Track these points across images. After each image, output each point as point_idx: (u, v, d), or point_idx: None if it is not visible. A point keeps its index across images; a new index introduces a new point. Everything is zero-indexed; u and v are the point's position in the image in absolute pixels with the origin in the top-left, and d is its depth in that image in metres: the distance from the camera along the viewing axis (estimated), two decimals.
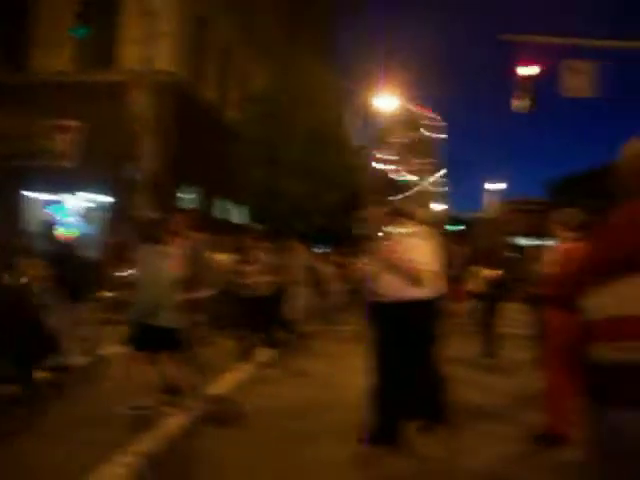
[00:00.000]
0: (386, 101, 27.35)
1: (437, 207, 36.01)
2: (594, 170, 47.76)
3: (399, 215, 4.97)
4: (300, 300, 12.81)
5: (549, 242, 5.89)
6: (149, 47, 14.43)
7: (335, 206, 19.24)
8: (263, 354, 9.04)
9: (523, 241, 36.46)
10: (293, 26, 28.94)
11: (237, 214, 22.46)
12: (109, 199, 16.77)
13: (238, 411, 5.74)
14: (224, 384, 7.07)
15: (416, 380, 4.72)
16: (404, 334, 4.68)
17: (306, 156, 17.94)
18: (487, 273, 9.95)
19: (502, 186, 46.00)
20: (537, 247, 10.73)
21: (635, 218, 2.11)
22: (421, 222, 5.13)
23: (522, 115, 13.40)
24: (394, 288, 4.71)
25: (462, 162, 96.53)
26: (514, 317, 10.09)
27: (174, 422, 5.42)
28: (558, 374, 4.69)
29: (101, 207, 16.94)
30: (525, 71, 13.22)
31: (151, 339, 5.51)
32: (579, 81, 13.14)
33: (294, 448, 4.91)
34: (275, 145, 18.20)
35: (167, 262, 5.64)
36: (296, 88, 19.27)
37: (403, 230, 4.89)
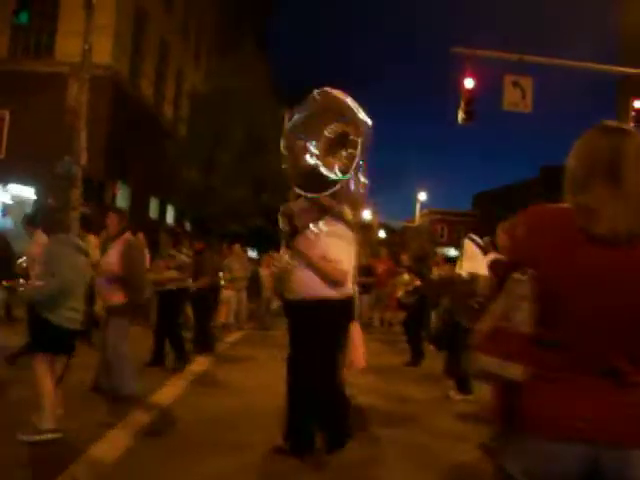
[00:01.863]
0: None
1: (368, 213, 36.32)
2: (514, 184, 49.83)
3: (323, 212, 4.78)
4: (234, 304, 12.94)
5: None
6: (87, 40, 13.96)
7: (273, 208, 19.21)
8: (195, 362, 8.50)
9: (452, 252, 37.42)
10: (229, 27, 28.76)
11: (172, 214, 22.07)
12: (38, 193, 16.11)
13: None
14: (161, 395, 6.53)
15: (319, 390, 4.54)
16: (312, 335, 4.51)
17: (242, 159, 17.83)
18: (414, 282, 10.19)
19: (432, 196, 46.88)
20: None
21: (532, 226, 1.84)
22: (347, 222, 4.96)
23: (460, 128, 13.74)
24: (307, 286, 4.55)
25: (396, 172, 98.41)
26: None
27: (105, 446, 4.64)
28: None
29: (29, 201, 16.25)
30: (470, 84, 13.54)
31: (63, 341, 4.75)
32: (519, 96, 13.62)
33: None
34: (210, 146, 17.99)
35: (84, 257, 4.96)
36: (231, 89, 19.01)
37: (325, 228, 4.72)
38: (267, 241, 19.99)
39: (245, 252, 15.51)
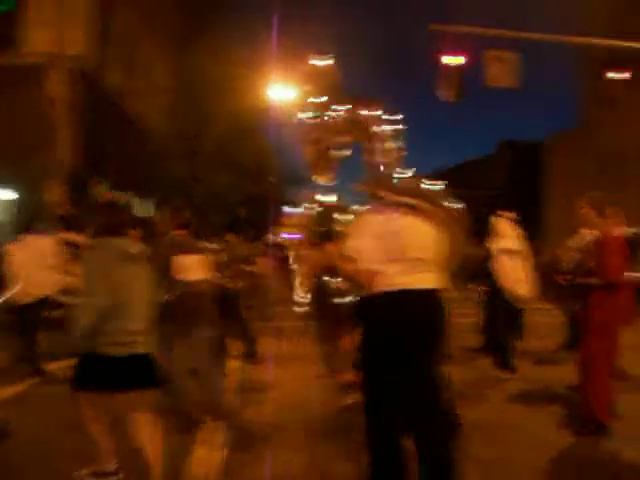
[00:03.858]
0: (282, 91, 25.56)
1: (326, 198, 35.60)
2: (470, 160, 50.15)
3: None
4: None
5: None
6: (58, 30, 13.44)
7: (257, 196, 18.98)
8: None
9: None
10: (197, 18, 27.89)
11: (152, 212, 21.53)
12: (15, 193, 15.52)
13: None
14: None
15: None
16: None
17: (224, 147, 17.49)
18: None
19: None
20: None
21: None
22: None
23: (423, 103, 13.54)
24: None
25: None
26: None
27: None
28: None
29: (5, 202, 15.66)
30: (451, 60, 13.37)
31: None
32: (503, 71, 13.51)
33: None
34: (190, 137, 17.57)
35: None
36: (207, 77, 18.58)
37: None
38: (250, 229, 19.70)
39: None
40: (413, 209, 3.77)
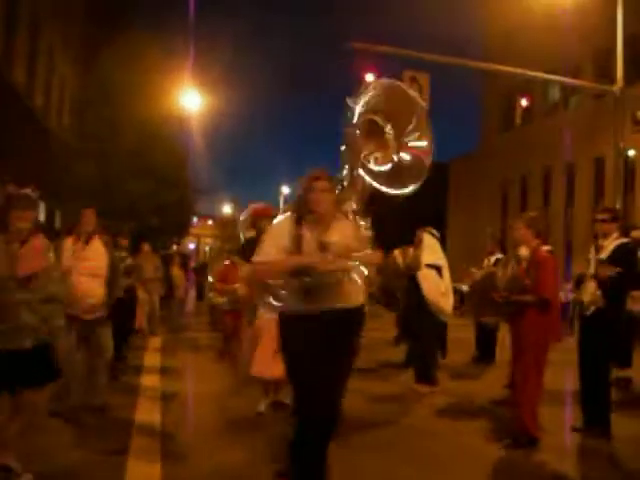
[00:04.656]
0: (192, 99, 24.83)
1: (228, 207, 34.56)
2: None
3: None
4: (146, 306, 11.97)
5: None
6: None
7: (170, 205, 18.34)
8: None
9: None
10: (108, 22, 26.79)
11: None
12: None
13: None
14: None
15: None
16: None
17: (138, 153, 16.80)
18: None
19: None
20: None
21: None
22: None
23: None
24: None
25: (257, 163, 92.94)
26: None
27: None
28: None
29: None
30: (371, 78, 13.68)
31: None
32: (417, 90, 13.95)
33: None
34: (100, 139, 16.73)
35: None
36: (116, 82, 17.76)
37: None
38: (161, 239, 19.14)
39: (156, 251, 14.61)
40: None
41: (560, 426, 6.10)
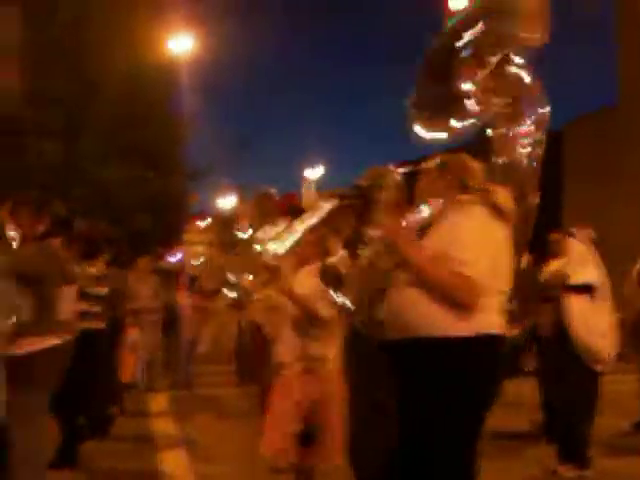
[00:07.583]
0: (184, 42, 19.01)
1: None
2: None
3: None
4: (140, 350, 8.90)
5: None
6: None
7: (162, 198, 13.90)
8: None
9: None
10: None
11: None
12: None
13: None
14: None
15: None
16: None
17: (119, 125, 12.61)
18: None
19: (322, 172, 30.88)
20: None
21: None
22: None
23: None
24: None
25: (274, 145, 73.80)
26: None
27: None
28: None
29: None
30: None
31: None
32: None
33: None
34: (70, 107, 12.58)
35: None
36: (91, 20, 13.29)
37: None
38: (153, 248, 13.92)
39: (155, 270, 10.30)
40: None
41: None
